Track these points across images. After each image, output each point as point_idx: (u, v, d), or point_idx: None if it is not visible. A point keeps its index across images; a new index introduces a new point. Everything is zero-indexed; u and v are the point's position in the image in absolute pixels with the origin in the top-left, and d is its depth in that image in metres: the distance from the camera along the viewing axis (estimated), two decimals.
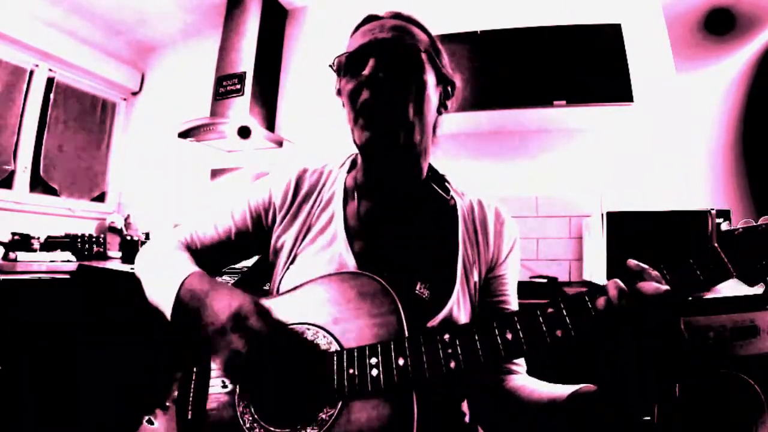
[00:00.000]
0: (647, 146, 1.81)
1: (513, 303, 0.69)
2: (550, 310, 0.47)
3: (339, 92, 0.67)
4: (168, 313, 0.59)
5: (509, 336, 0.47)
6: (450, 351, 0.48)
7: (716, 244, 0.46)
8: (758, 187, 1.81)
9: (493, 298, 0.68)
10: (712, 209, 1.34)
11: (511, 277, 0.71)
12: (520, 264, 0.74)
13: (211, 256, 0.71)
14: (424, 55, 0.62)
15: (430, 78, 0.63)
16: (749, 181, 1.85)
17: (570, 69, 1.63)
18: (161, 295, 0.61)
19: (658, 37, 1.84)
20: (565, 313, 0.46)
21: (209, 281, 0.59)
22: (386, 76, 0.59)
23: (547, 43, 1.66)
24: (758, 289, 1.26)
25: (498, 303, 0.68)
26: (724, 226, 0.47)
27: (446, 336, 0.49)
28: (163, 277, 0.63)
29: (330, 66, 0.66)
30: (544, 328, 0.46)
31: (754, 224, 0.46)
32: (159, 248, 0.69)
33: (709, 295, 1.19)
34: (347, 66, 0.63)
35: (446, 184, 0.73)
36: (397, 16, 0.66)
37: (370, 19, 0.67)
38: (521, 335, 0.47)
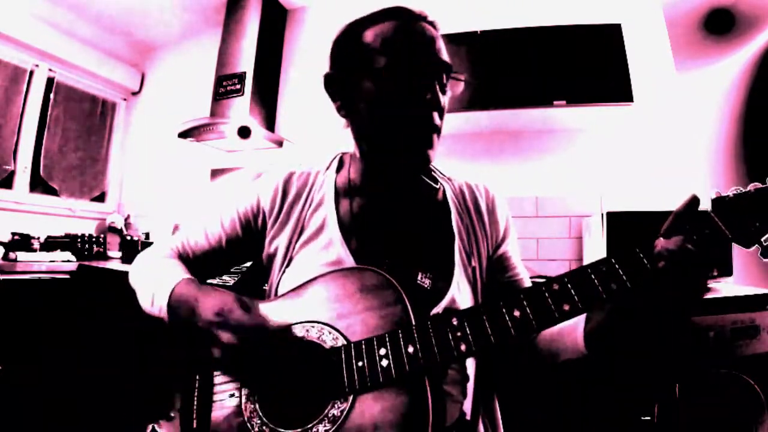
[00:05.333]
0: (647, 146, 1.81)
1: (523, 273, 0.72)
2: (555, 286, 0.47)
3: (340, 85, 0.65)
4: (166, 320, 0.60)
5: (517, 314, 0.47)
6: (459, 334, 0.48)
7: (709, 210, 0.47)
8: None
9: (505, 275, 0.70)
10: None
11: (513, 250, 0.73)
12: (516, 235, 0.76)
13: (203, 264, 0.72)
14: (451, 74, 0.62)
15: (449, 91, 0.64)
16: (749, 180, 1.85)
17: (570, 69, 1.62)
18: (155, 305, 0.62)
19: (658, 37, 1.84)
20: (570, 287, 0.47)
21: (197, 285, 0.60)
22: (440, 100, 0.60)
23: (547, 43, 1.66)
24: (758, 289, 1.26)
25: (510, 278, 0.71)
26: (714, 195, 0.48)
27: (454, 320, 0.49)
28: (154, 286, 0.63)
29: (356, 50, 0.61)
30: (551, 303, 0.47)
31: (743, 190, 0.47)
32: (151, 259, 0.70)
33: (710, 295, 1.19)
34: (389, 68, 0.58)
35: (432, 173, 0.74)
36: (425, 19, 0.63)
37: (403, 15, 0.62)
38: (529, 312, 0.47)
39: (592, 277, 0.46)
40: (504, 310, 0.48)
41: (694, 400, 1.11)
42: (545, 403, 1.20)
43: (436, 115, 0.60)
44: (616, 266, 0.46)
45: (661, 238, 0.47)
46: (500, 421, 0.68)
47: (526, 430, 1.16)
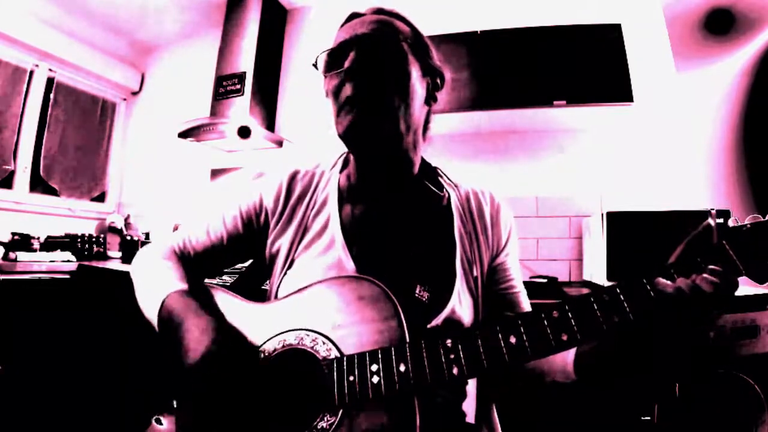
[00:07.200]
0: (647, 146, 1.81)
1: (519, 286, 0.70)
2: (555, 313, 0.46)
3: (327, 93, 0.66)
4: (157, 329, 0.60)
5: (513, 340, 0.46)
6: (452, 356, 0.47)
7: (724, 241, 0.44)
8: (758, 187, 1.81)
9: (500, 286, 0.69)
10: (713, 209, 1.34)
11: (513, 261, 0.72)
12: (518, 246, 0.74)
13: (204, 262, 0.71)
14: (405, 46, 0.62)
15: (414, 69, 0.63)
16: (749, 181, 1.85)
17: (570, 69, 1.63)
18: (147, 311, 0.62)
19: (658, 37, 1.84)
20: (570, 316, 0.45)
21: (186, 304, 0.58)
22: (367, 67, 0.59)
23: (547, 43, 1.66)
24: (758, 289, 1.26)
25: (505, 290, 0.69)
26: (731, 223, 0.46)
27: (448, 341, 0.48)
28: (149, 291, 0.63)
29: (313, 65, 0.65)
30: (549, 332, 0.45)
31: (762, 219, 0.44)
32: (151, 257, 0.69)
33: None
34: (329, 63, 0.63)
35: (439, 178, 0.73)
36: (379, 11, 0.66)
37: (353, 16, 0.66)
38: (525, 339, 0.46)
39: (594, 307, 0.45)
40: (500, 335, 0.46)
41: (694, 400, 1.11)
42: (544, 402, 1.20)
43: (348, 86, 0.59)
44: (621, 297, 0.44)
45: (672, 272, 0.44)
46: (497, 422, 0.68)
47: (524, 431, 1.16)
